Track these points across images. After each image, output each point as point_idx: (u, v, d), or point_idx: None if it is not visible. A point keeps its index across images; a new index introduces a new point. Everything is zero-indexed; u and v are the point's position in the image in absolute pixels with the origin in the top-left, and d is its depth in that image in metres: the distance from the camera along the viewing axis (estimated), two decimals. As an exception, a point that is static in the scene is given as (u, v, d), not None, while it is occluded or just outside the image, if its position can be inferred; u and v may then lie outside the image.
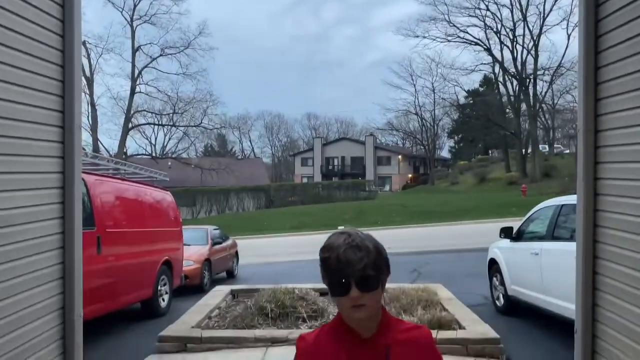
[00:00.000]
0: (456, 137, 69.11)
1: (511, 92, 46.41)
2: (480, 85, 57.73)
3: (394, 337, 1.38)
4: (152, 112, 41.98)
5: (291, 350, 1.44)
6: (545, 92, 46.39)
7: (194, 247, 10.73)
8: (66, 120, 3.52)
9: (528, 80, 43.93)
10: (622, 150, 3.05)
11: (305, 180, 60.14)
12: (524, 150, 45.96)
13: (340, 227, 1.50)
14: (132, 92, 40.08)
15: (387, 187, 59.14)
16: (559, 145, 59.14)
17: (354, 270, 1.30)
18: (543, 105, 47.61)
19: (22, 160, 3.10)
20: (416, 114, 60.78)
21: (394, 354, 1.36)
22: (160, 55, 40.15)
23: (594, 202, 3.30)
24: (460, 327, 5.75)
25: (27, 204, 3.14)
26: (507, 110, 48.95)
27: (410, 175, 64.25)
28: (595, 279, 3.29)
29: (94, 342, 6.17)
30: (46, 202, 3.35)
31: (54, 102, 3.44)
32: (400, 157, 63.24)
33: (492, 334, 5.37)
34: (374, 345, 1.36)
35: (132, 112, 40.31)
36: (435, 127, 62.13)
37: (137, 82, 40.30)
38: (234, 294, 8.26)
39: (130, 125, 40.67)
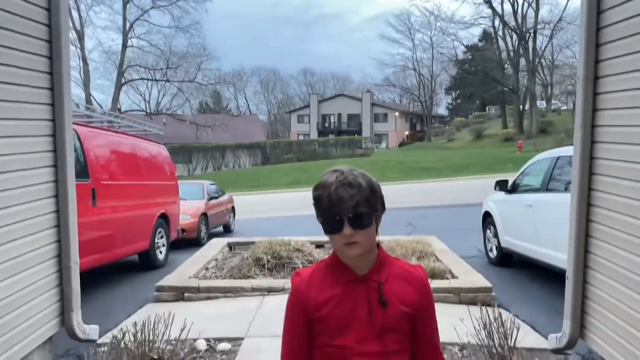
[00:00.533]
0: (454, 94, 68.63)
1: (510, 47, 45.72)
2: (480, 40, 56.85)
3: (389, 274, 1.39)
4: (145, 67, 41.23)
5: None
6: (545, 47, 45.79)
7: (190, 202, 10.77)
8: (54, 66, 3.43)
9: (528, 34, 43.19)
10: (622, 96, 3.00)
11: (301, 137, 59.88)
12: (521, 107, 45.70)
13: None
14: (124, 46, 39.23)
15: (383, 144, 59.03)
16: (557, 102, 58.76)
17: (345, 207, 1.29)
18: (542, 60, 47.06)
19: (8, 105, 3.03)
20: (414, 69, 60.15)
21: (387, 290, 1.36)
22: (152, 7, 39.11)
23: (590, 150, 3.28)
24: (453, 276, 5.86)
25: (16, 151, 3.09)
26: (506, 65, 48.39)
27: (407, 132, 64.04)
28: (588, 226, 3.30)
29: (94, 292, 6.27)
30: (37, 150, 3.31)
31: (41, 46, 3.34)
32: (397, 113, 62.79)
33: (484, 282, 5.46)
34: (368, 281, 1.36)
35: (124, 67, 39.58)
36: (433, 83, 61.59)
37: (129, 36, 39.42)
38: (230, 246, 8.36)
39: (123, 80, 40.02)
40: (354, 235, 1.30)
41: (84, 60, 38.06)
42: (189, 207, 10.44)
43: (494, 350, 3.38)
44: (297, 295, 1.40)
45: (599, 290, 3.23)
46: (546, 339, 4.01)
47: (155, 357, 3.55)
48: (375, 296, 1.35)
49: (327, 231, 1.34)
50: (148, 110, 45.09)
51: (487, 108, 63.56)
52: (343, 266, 1.38)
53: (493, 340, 3.41)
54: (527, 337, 3.89)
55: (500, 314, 3.56)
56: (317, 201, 1.34)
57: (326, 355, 1.37)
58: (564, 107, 54.41)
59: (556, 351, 3.72)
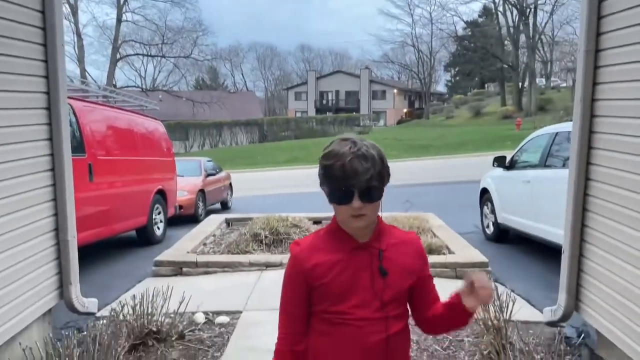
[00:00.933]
0: (453, 71, 68.17)
1: (510, 23, 45.22)
2: (480, 16, 56.19)
3: (388, 242, 1.40)
4: (140, 43, 40.73)
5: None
6: (545, 23, 45.33)
7: (187, 178, 10.75)
8: (48, 37, 3.38)
9: (528, 10, 42.69)
10: (624, 69, 2.97)
11: (298, 114, 59.57)
12: (520, 84, 45.46)
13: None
14: (119, 20, 38.67)
15: (381, 122, 58.79)
16: (556, 79, 58.41)
17: (359, 181, 1.27)
18: (542, 37, 46.60)
19: (3, 77, 2.99)
20: (413, 45, 59.52)
21: (387, 257, 1.37)
22: (147, -20, 38.40)
23: (589, 124, 3.26)
24: (450, 252, 5.89)
25: (11, 124, 3.06)
26: (506, 42, 47.93)
27: (405, 110, 63.71)
28: (585, 200, 3.31)
29: (92, 267, 6.29)
30: (32, 123, 3.28)
31: (34, 17, 3.28)
32: (395, 91, 62.36)
33: (480, 258, 5.50)
34: (370, 249, 1.37)
35: (119, 42, 39.06)
36: (432, 60, 61.03)
37: (123, 10, 38.85)
38: (228, 222, 8.38)
39: (118, 56, 39.55)
40: (362, 208, 1.29)
41: (78, 35, 37.58)
42: (186, 183, 10.43)
43: (490, 323, 3.42)
44: (297, 264, 1.38)
45: (594, 263, 3.25)
46: (541, 312, 4.06)
47: (154, 329, 3.58)
48: (377, 263, 1.36)
49: (334, 201, 1.33)
50: (144, 87, 44.69)
51: (486, 85, 63.18)
52: (344, 234, 1.37)
53: (489, 313, 3.45)
54: (522, 311, 3.93)
55: (496, 288, 3.58)
56: (328, 170, 1.31)
57: (324, 321, 1.37)
58: (564, 85, 54.08)
59: (551, 324, 3.77)
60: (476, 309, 1.35)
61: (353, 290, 1.34)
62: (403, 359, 1.42)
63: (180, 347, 3.61)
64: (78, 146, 5.94)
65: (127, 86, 42.80)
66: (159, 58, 43.37)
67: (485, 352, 3.33)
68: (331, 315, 1.35)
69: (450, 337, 3.74)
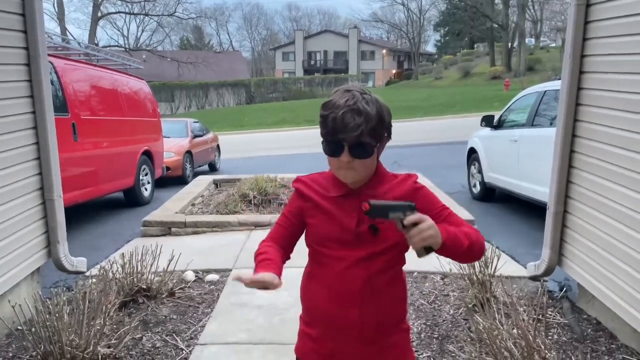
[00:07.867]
0: (442, 30, 67.17)
1: (501, -19, 44.36)
2: (470, -27, 54.85)
3: (381, 189, 1.37)
4: (122, 0, 39.36)
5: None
6: (537, -19, 44.50)
7: (174, 140, 10.65)
8: (23, -11, 3.24)
9: (520, -33, 41.81)
10: (613, 24, 2.94)
11: (286, 75, 58.71)
12: (510, 44, 45.05)
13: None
14: (99, -24, 37.21)
15: (370, 83, 58.21)
16: (545, 39, 57.95)
17: (348, 135, 1.25)
18: (533, -5, 45.90)
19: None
20: (402, 4, 58.43)
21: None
22: None
23: (578, 80, 3.26)
24: (437, 210, 5.95)
25: (-10, 80, 2.97)
26: (496, 1, 47.17)
27: (394, 71, 63.06)
28: (572, 157, 3.34)
29: (81, 229, 6.28)
30: (11, 79, 3.18)
31: (7, -33, 3.13)
32: (384, 51, 61.52)
33: (467, 216, 5.57)
34: (360, 195, 1.35)
35: (100, -1, 37.75)
36: (422, 19, 60.05)
37: (103, -35, 37.31)
38: (216, 183, 8.36)
39: (99, 14, 38.28)
40: (351, 162, 1.29)
41: (57, -9, 36.18)
42: (173, 144, 10.34)
43: (475, 278, 3.49)
44: (297, 193, 1.45)
45: (578, 219, 3.31)
46: (525, 268, 4.15)
47: (144, 287, 3.60)
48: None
49: (326, 152, 1.33)
50: (127, 46, 43.53)
51: (475, 46, 62.52)
52: (338, 180, 1.38)
53: (474, 268, 3.52)
54: (506, 266, 4.01)
55: (481, 244, 3.64)
56: (323, 120, 1.31)
57: (314, 262, 1.44)
58: (553, 45, 53.73)
59: (534, 278, 3.87)
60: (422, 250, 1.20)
61: (337, 232, 1.35)
62: (391, 305, 1.41)
63: (171, 304, 3.65)
64: (61, 106, 5.82)
65: (110, 45, 41.67)
66: (142, 16, 42.16)
67: (470, 305, 3.41)
68: (318, 255, 1.40)
69: (436, 292, 3.82)
